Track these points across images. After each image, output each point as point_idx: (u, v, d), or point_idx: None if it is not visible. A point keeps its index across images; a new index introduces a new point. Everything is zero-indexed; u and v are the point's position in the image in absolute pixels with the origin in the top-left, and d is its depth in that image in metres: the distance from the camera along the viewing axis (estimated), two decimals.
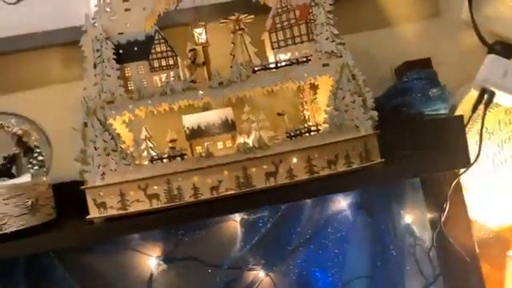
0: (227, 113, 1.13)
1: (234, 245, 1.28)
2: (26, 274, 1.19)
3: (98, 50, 1.06)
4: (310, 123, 1.16)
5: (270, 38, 1.13)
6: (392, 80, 1.35)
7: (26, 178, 1.05)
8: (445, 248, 1.22)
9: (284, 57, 1.12)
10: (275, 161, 1.02)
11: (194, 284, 1.29)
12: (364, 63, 1.26)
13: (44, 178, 1.09)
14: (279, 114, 1.17)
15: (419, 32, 1.39)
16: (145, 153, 1.11)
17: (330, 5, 1.11)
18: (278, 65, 1.08)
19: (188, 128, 1.12)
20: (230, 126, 1.13)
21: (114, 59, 1.05)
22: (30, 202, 1.02)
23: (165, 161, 1.02)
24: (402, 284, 1.31)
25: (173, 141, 1.08)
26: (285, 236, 1.27)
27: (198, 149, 1.11)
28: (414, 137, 1.20)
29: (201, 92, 1.06)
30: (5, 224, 1.00)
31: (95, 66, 1.06)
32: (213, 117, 1.13)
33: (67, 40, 1.23)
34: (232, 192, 1.00)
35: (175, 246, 1.28)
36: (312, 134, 1.06)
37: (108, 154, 1.03)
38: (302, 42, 1.12)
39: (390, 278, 1.31)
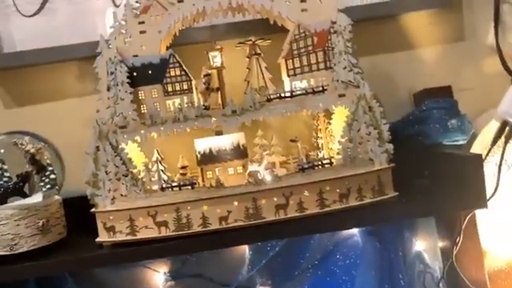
0: (239, 138, 1.12)
1: (242, 266, 1.28)
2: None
3: (112, 73, 1.05)
4: (323, 155, 1.14)
5: (286, 65, 1.11)
6: (410, 105, 1.32)
7: (37, 198, 1.05)
8: (455, 281, 1.21)
9: (299, 84, 1.10)
10: (286, 193, 1.00)
11: None
12: (382, 86, 1.24)
13: (56, 197, 1.10)
14: (292, 141, 1.15)
15: (442, 56, 1.34)
16: (155, 177, 1.11)
17: (350, 32, 1.08)
18: (293, 93, 1.06)
19: (199, 153, 1.11)
20: (241, 152, 1.12)
21: (127, 83, 1.05)
22: (41, 223, 1.03)
23: (175, 189, 1.02)
24: None
25: (183, 167, 1.08)
26: (293, 260, 1.27)
27: (209, 174, 1.11)
28: (430, 168, 1.18)
29: (214, 119, 1.04)
30: (16, 244, 1.01)
31: (109, 89, 1.06)
32: (225, 142, 1.12)
33: (83, 55, 1.23)
34: (241, 223, 1.00)
35: (183, 263, 1.29)
36: (325, 166, 1.04)
37: (119, 179, 1.03)
38: (318, 70, 1.09)
39: None
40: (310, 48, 1.09)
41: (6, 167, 1.08)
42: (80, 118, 1.27)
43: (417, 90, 1.29)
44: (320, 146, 1.16)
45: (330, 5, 1.08)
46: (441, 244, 1.32)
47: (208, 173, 1.11)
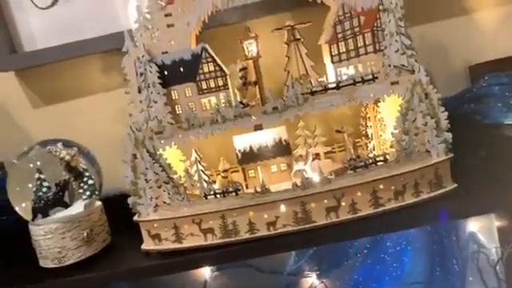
0: (281, 133, 1.04)
1: (291, 255, 1.25)
2: None
3: (141, 74, 0.97)
4: (373, 145, 1.06)
5: (330, 50, 0.99)
6: (466, 79, 1.19)
7: (79, 208, 1.03)
8: None
9: (346, 71, 0.99)
10: (337, 195, 0.94)
11: None
12: (433, 57, 1.12)
13: (97, 204, 1.08)
14: (338, 132, 1.07)
15: (505, 22, 1.18)
16: (196, 178, 1.06)
17: (401, 8, 0.95)
18: (340, 84, 0.96)
19: (239, 151, 1.05)
20: (284, 149, 1.04)
21: (159, 83, 0.97)
22: (85, 234, 1.01)
23: (218, 196, 0.97)
24: None
25: (225, 171, 1.02)
26: (342, 248, 1.23)
27: (251, 173, 1.05)
28: (489, 151, 1.08)
29: (254, 118, 0.96)
30: (64, 257, 1.00)
31: (140, 91, 0.98)
32: (265, 138, 1.05)
33: (107, 48, 1.15)
34: (290, 228, 0.95)
35: None
36: (378, 164, 0.96)
37: (160, 186, 0.98)
38: (366, 54, 0.98)
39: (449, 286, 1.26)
40: (357, 29, 0.97)
41: (43, 176, 1.04)
42: (109, 113, 1.22)
43: (474, 62, 1.16)
44: (370, 135, 1.07)
45: None
46: (498, 223, 1.24)
47: (250, 172, 1.05)
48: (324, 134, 1.12)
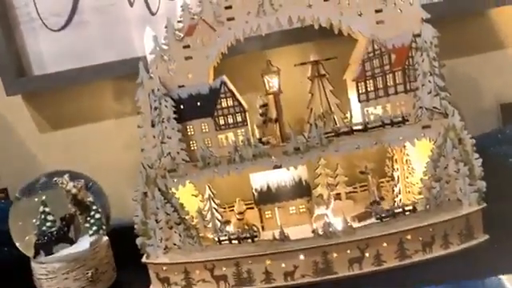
0: (301, 173, 0.98)
1: None
2: None
3: (156, 108, 0.91)
4: (399, 189, 0.99)
5: (358, 88, 0.93)
6: (497, 118, 1.12)
7: (84, 245, 0.97)
8: None
9: (373, 111, 0.93)
10: (361, 245, 0.87)
11: None
12: (463, 92, 1.05)
13: (103, 239, 1.02)
14: (362, 173, 1.01)
15: None
16: (209, 217, 1.00)
17: (436, 46, 0.89)
18: (368, 125, 0.89)
19: (256, 190, 0.99)
20: (304, 189, 0.98)
21: (174, 118, 0.91)
22: (90, 274, 0.95)
23: (234, 241, 0.90)
24: None
25: (241, 213, 0.96)
26: None
27: (268, 215, 0.99)
28: None
29: (274, 158, 0.90)
30: None
31: (153, 125, 0.92)
32: (284, 177, 0.99)
33: (120, 73, 1.09)
34: (309, 279, 0.88)
35: None
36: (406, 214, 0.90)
37: (171, 228, 0.92)
38: (396, 94, 0.92)
39: None
40: (387, 67, 0.91)
41: (48, 210, 0.99)
42: (119, 140, 1.17)
43: (507, 100, 1.09)
44: (396, 178, 1.00)
45: (411, 14, 0.88)
46: None
47: (267, 213, 0.99)
48: (345, 172, 1.06)
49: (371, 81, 0.92)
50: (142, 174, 0.91)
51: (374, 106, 0.93)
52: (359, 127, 0.90)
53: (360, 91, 0.93)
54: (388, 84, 0.91)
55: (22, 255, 0.99)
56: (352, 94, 0.96)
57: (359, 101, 0.93)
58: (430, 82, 0.89)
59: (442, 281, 0.98)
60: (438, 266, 0.88)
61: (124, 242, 0.99)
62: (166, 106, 0.91)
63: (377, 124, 0.89)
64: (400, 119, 0.89)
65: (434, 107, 0.89)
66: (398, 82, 0.91)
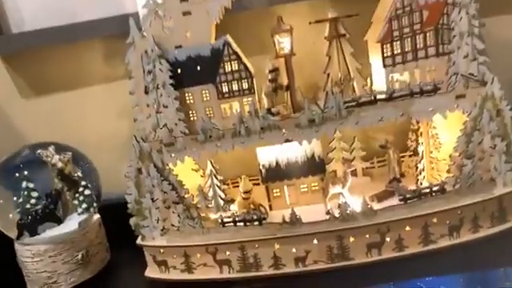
0: (314, 148, 0.87)
1: None
2: None
3: (149, 72, 0.79)
4: (423, 165, 0.89)
5: (382, 51, 0.80)
6: None
7: (73, 224, 0.88)
8: None
9: (400, 77, 0.81)
10: (381, 229, 0.78)
11: None
12: (503, 58, 0.92)
13: (95, 218, 0.92)
14: (382, 147, 0.90)
15: None
16: (211, 193, 0.90)
17: (476, 1, 0.76)
18: (393, 95, 0.78)
19: (263, 166, 0.88)
20: (317, 166, 0.88)
21: (171, 84, 0.80)
22: (79, 256, 0.87)
23: (239, 224, 0.81)
24: None
25: (247, 192, 0.86)
26: None
27: (276, 192, 0.89)
28: None
29: (284, 131, 0.79)
30: (54, 283, 0.86)
31: (147, 92, 0.81)
32: (295, 151, 0.88)
33: (108, 32, 0.96)
34: (323, 266, 0.80)
35: None
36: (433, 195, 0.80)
37: (168, 207, 0.83)
38: (426, 58, 0.80)
39: None
40: (417, 26, 0.78)
41: (32, 186, 0.89)
42: (110, 107, 1.05)
43: None
44: (420, 153, 0.90)
45: None
46: None
47: (275, 191, 0.89)
48: (362, 145, 0.95)
49: (398, 42, 0.80)
50: (135, 148, 0.81)
51: (401, 71, 0.81)
52: (383, 96, 0.78)
53: (385, 54, 0.80)
54: (418, 46, 0.79)
55: (3, 236, 0.90)
56: (374, 58, 0.84)
57: (384, 66, 0.81)
58: (467, 44, 0.76)
59: (469, 268, 0.91)
60: (465, 252, 0.79)
61: (117, 220, 0.89)
62: (160, 70, 0.79)
63: (404, 93, 0.78)
64: (430, 87, 0.77)
65: (470, 74, 0.77)
66: (429, 43, 0.79)
